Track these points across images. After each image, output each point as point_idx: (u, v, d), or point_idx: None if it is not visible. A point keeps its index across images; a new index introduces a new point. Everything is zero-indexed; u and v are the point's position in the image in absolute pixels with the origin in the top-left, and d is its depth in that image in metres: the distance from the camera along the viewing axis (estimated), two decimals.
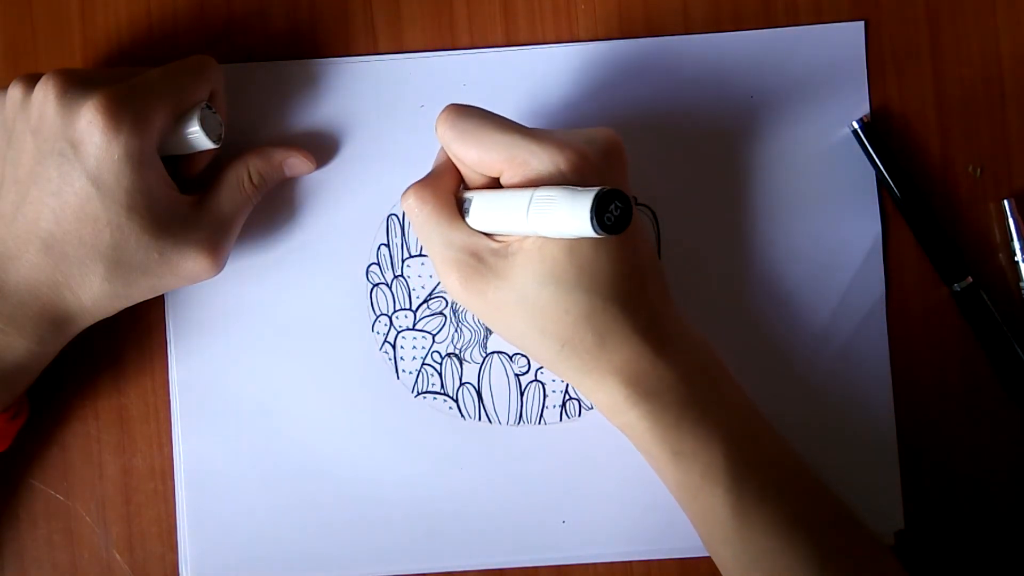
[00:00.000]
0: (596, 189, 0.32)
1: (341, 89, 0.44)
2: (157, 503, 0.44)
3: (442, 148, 0.40)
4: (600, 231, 0.31)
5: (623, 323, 0.36)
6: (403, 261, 0.44)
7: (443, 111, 0.37)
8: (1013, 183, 0.44)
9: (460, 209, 0.38)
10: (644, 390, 0.37)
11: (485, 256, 0.37)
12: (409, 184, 0.38)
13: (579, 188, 0.33)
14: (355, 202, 0.44)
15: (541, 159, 0.35)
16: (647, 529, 0.44)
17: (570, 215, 0.32)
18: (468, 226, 0.38)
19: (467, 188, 0.39)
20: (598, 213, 0.31)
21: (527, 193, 0.35)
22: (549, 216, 0.33)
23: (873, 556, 0.38)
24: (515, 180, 0.36)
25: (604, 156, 0.37)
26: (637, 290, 0.37)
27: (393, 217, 0.44)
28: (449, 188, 0.39)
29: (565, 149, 0.36)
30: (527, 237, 0.36)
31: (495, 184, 0.38)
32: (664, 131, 0.44)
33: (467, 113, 0.37)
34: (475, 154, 0.37)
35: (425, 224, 0.38)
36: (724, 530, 0.37)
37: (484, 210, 0.37)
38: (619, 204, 0.32)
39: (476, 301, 0.37)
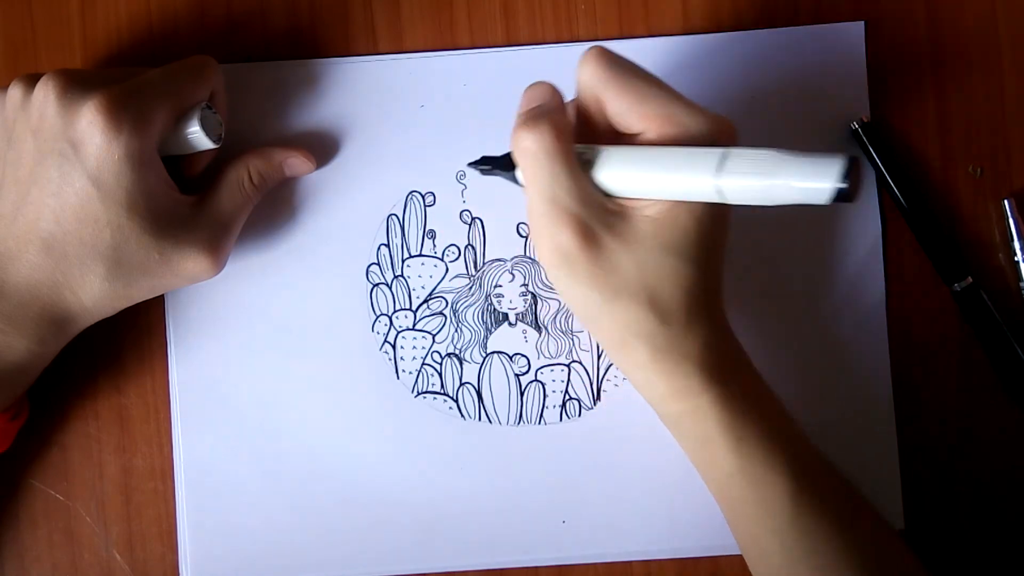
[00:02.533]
0: (841, 155, 0.31)
1: (341, 89, 0.44)
2: (157, 503, 0.44)
3: (538, 88, 0.37)
4: (840, 199, 0.31)
5: (711, 306, 0.36)
6: (403, 261, 0.44)
7: (592, 51, 0.36)
8: (1013, 183, 0.44)
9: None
10: (720, 374, 0.36)
11: (603, 215, 0.35)
12: (521, 116, 0.36)
13: (806, 152, 0.32)
14: (355, 202, 0.44)
15: (698, 122, 0.34)
16: (647, 529, 0.44)
17: (804, 180, 0.31)
18: (591, 179, 0.35)
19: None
20: (850, 176, 0.30)
21: (713, 152, 0.33)
22: (762, 177, 0.32)
23: (912, 571, 0.38)
24: (663, 138, 0.35)
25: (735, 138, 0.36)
26: (720, 272, 0.37)
27: (393, 217, 0.44)
28: (570, 132, 0.36)
29: (721, 119, 0.35)
30: (651, 203, 0.35)
31: (619, 140, 0.36)
32: None
33: (620, 59, 0.36)
34: (626, 102, 0.35)
35: (544, 166, 0.35)
36: (778, 519, 0.36)
37: (625, 167, 0.35)
38: (859, 171, 0.31)
39: (584, 262, 0.35)
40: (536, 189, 0.35)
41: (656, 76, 0.36)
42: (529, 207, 0.36)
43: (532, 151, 0.35)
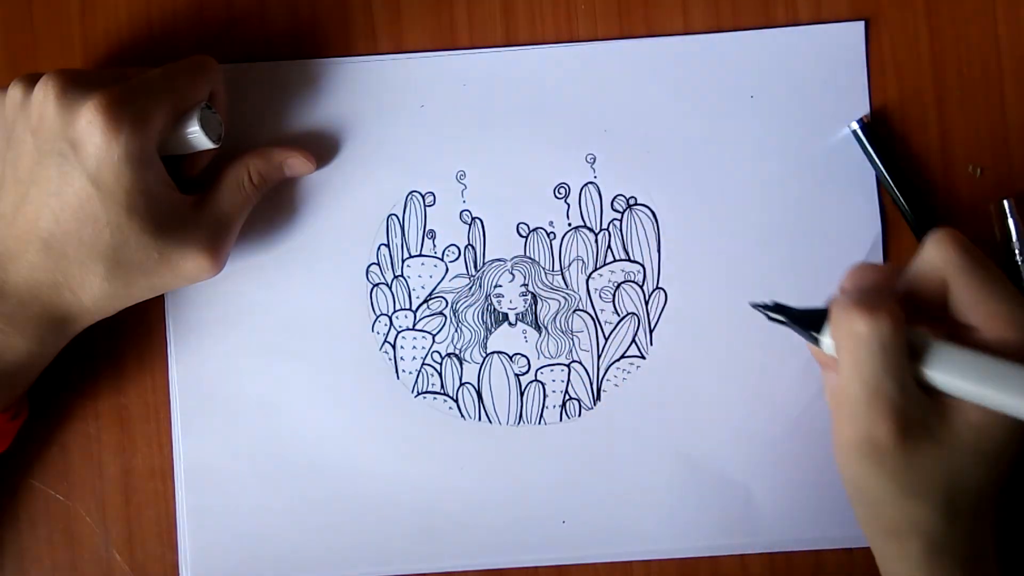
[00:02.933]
0: None
1: (341, 89, 0.44)
2: (157, 503, 0.44)
3: (872, 274, 0.36)
4: None
5: (993, 515, 0.36)
6: (403, 261, 0.44)
7: (947, 233, 0.35)
8: (1013, 183, 0.44)
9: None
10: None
11: (923, 412, 0.34)
12: (840, 303, 0.35)
13: None
14: (355, 202, 0.44)
15: None
16: (647, 529, 0.44)
17: None
18: (919, 371, 0.34)
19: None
20: None
21: None
22: None
23: None
24: (1001, 342, 0.34)
25: None
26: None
27: (393, 217, 0.44)
28: (904, 322, 0.34)
29: None
30: (971, 407, 0.34)
31: (946, 327, 0.35)
32: (664, 131, 0.44)
33: (974, 247, 0.35)
34: (976, 296, 0.34)
35: (877, 357, 0.33)
36: None
37: (963, 372, 0.33)
38: None
39: (895, 457, 0.34)
40: (858, 376, 0.34)
41: (1002, 272, 0.35)
42: (840, 388, 0.35)
43: (866, 338, 0.33)
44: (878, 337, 0.33)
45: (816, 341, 0.36)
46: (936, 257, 0.35)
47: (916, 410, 0.34)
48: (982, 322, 0.34)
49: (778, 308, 0.37)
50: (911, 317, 0.34)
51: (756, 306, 0.38)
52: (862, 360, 0.34)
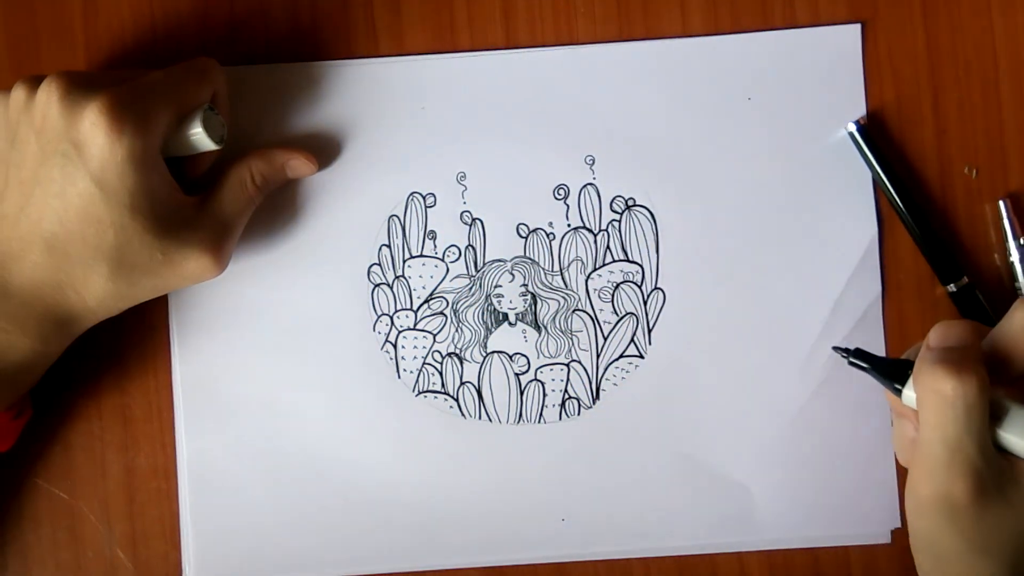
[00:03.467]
0: None
1: (342, 91, 0.45)
2: (160, 502, 0.44)
3: (959, 333, 0.36)
4: None
5: None
6: (404, 261, 0.45)
7: None
8: (1009, 184, 0.45)
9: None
10: None
11: (998, 472, 0.34)
12: (934, 359, 0.35)
13: None
14: (356, 203, 0.45)
15: None
16: (647, 528, 0.44)
17: None
18: (997, 434, 0.35)
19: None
20: None
21: None
22: None
23: None
24: None
25: None
26: None
27: (394, 218, 0.45)
28: (988, 384, 0.34)
29: None
30: None
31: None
32: (662, 133, 0.44)
33: None
34: None
35: (961, 417, 0.34)
36: None
37: None
38: None
39: (969, 516, 0.34)
40: (941, 434, 0.34)
41: None
42: (921, 444, 0.35)
43: (951, 399, 0.34)
44: (963, 399, 0.34)
45: (898, 392, 0.37)
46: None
47: (993, 471, 0.34)
48: None
49: (860, 354, 0.38)
50: (993, 379, 0.35)
51: (839, 350, 0.39)
52: (947, 420, 0.34)
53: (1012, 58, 0.45)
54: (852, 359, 0.38)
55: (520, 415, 0.44)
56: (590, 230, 0.45)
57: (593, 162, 0.45)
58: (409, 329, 0.45)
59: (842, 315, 0.44)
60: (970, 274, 0.44)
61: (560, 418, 0.44)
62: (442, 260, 0.45)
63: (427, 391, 0.44)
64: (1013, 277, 0.44)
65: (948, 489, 0.34)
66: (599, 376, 0.44)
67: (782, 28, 0.45)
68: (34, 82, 0.38)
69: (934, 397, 0.34)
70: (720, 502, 0.44)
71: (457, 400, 0.44)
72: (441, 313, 0.45)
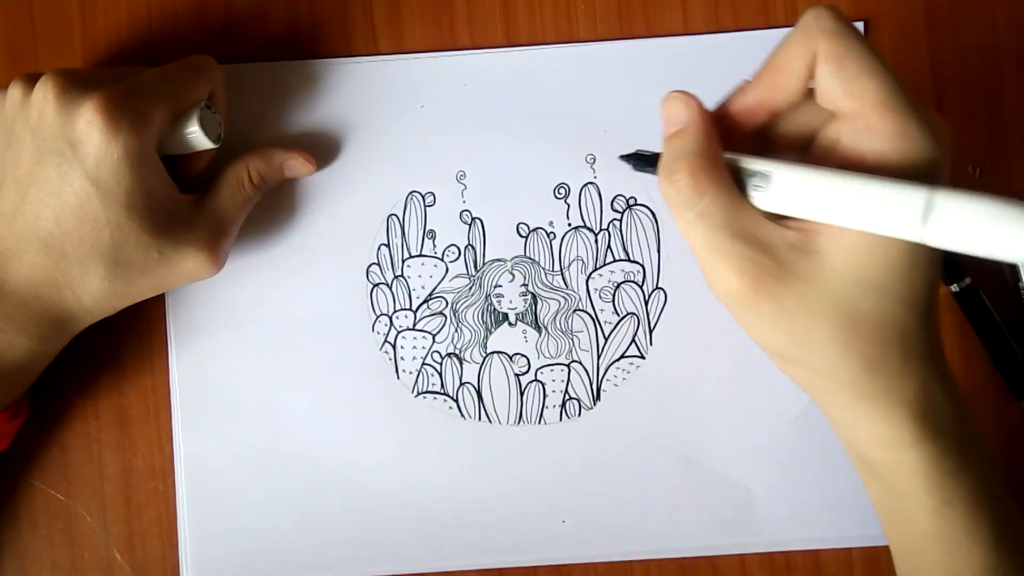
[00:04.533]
0: None
1: (341, 89, 0.44)
2: (157, 503, 0.44)
3: (678, 101, 0.32)
4: None
5: (926, 346, 0.32)
6: (403, 261, 0.44)
7: (824, 7, 0.30)
8: (1012, 183, 0.45)
9: (736, 179, 0.31)
10: (932, 427, 0.32)
11: (782, 253, 0.30)
12: (666, 163, 0.31)
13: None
14: (355, 202, 0.44)
15: (925, 134, 0.29)
16: (647, 529, 0.44)
17: None
18: (754, 209, 0.31)
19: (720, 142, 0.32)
20: None
21: (918, 192, 0.28)
22: (977, 233, 0.27)
23: None
24: (871, 148, 0.30)
25: (951, 155, 0.31)
26: (936, 311, 0.32)
27: (393, 217, 0.44)
28: (721, 161, 0.31)
29: (944, 133, 0.30)
30: (842, 231, 0.30)
31: (793, 142, 0.32)
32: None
33: (855, 29, 0.30)
34: (847, 70, 0.30)
35: (703, 217, 0.31)
36: None
37: (808, 193, 0.30)
38: None
39: (766, 306, 0.31)
40: (691, 239, 0.32)
41: (883, 57, 0.30)
42: (688, 245, 0.32)
43: (687, 203, 0.31)
44: (685, 202, 0.31)
45: None
46: (811, 21, 0.30)
47: (775, 252, 0.30)
48: (849, 106, 0.30)
49: (639, 156, 0.35)
50: (770, 102, 0.32)
51: (623, 158, 0.35)
52: (683, 226, 0.31)
53: (1015, 56, 0.45)
54: (633, 163, 0.35)
55: (520, 416, 0.44)
56: (591, 229, 0.44)
57: (594, 161, 0.44)
58: (408, 329, 0.44)
59: None
60: (973, 274, 0.44)
61: (560, 419, 0.44)
62: (441, 260, 0.44)
63: (426, 392, 0.44)
64: (1016, 277, 0.44)
65: (726, 287, 0.31)
66: (600, 377, 0.44)
67: (784, 26, 0.44)
68: (30, 80, 0.38)
69: (669, 203, 0.31)
70: (721, 503, 0.44)
71: (457, 401, 0.44)
72: (440, 313, 0.44)
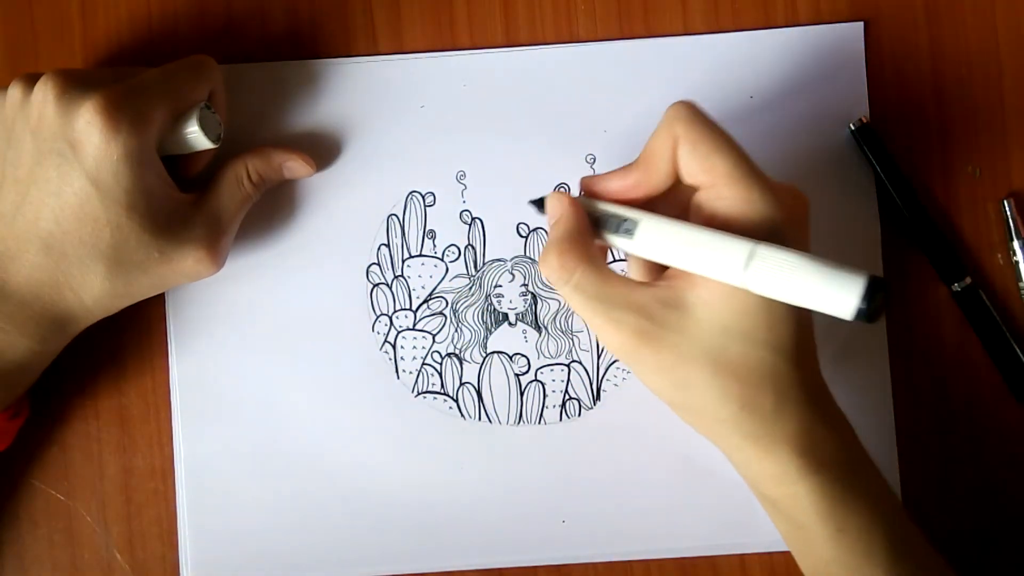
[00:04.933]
0: (863, 275, 0.30)
1: (341, 89, 0.44)
2: (158, 503, 0.44)
3: (558, 199, 0.37)
4: (860, 318, 0.30)
5: (800, 389, 0.34)
6: (403, 261, 0.44)
7: (681, 102, 0.35)
8: (1012, 183, 0.45)
9: (597, 226, 0.36)
10: (816, 461, 0.34)
11: (655, 311, 0.34)
12: (544, 249, 0.36)
13: (828, 262, 0.31)
14: (355, 202, 0.44)
15: (766, 200, 0.33)
16: (647, 529, 0.44)
17: (825, 292, 0.30)
18: (622, 279, 0.35)
19: (596, 200, 0.37)
20: (870, 298, 0.30)
21: (745, 245, 0.32)
22: (786, 282, 0.31)
23: None
24: (720, 205, 0.34)
25: (802, 221, 0.35)
26: (811, 354, 0.35)
27: (393, 217, 0.44)
28: (590, 240, 0.36)
29: (786, 199, 0.34)
30: (705, 284, 0.33)
31: (662, 204, 0.36)
32: None
33: (710, 117, 0.35)
34: (702, 150, 0.34)
35: (578, 290, 0.35)
36: None
37: (662, 240, 0.34)
38: (884, 293, 0.30)
39: (648, 360, 0.34)
40: (576, 309, 0.36)
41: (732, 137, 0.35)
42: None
43: (560, 281, 0.35)
44: (570, 278, 0.35)
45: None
46: (673, 113, 0.35)
47: (649, 311, 0.34)
48: (706, 179, 0.34)
49: (541, 200, 0.39)
50: (646, 184, 0.36)
51: (532, 203, 0.39)
52: (567, 298, 0.35)
53: (1015, 56, 0.45)
54: (539, 211, 0.39)
55: (520, 416, 0.44)
56: None
57: (594, 160, 0.44)
58: (408, 329, 0.44)
59: None
60: (973, 274, 0.44)
61: (560, 419, 0.44)
62: (441, 260, 0.44)
63: (426, 392, 0.44)
64: (1017, 277, 0.44)
65: (612, 346, 0.35)
66: (600, 377, 0.44)
67: (784, 26, 0.44)
68: (30, 80, 0.38)
69: (548, 282, 0.36)
70: (721, 503, 0.44)
71: (457, 401, 0.44)
72: (440, 313, 0.44)
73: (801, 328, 0.34)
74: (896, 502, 0.37)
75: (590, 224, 0.36)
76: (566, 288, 0.35)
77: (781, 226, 0.33)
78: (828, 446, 0.35)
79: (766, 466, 0.35)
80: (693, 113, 0.35)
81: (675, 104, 0.35)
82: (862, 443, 0.37)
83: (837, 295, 0.30)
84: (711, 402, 0.34)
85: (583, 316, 0.36)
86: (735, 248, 0.32)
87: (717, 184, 0.34)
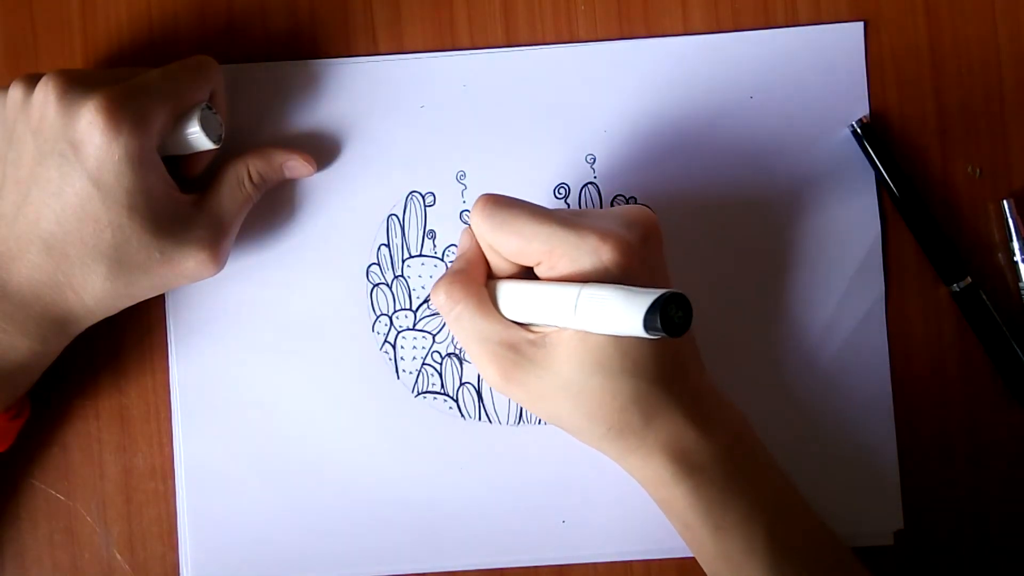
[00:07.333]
0: (654, 293, 0.32)
1: (341, 89, 0.44)
2: (158, 503, 0.44)
3: (465, 234, 0.40)
4: (657, 334, 0.31)
5: (667, 403, 0.37)
6: (403, 261, 0.44)
7: (478, 201, 0.37)
8: (1012, 183, 0.45)
9: (492, 297, 0.38)
10: (689, 466, 0.37)
11: (523, 348, 0.37)
12: (439, 277, 0.38)
13: (633, 289, 0.33)
14: (355, 202, 0.44)
15: (584, 251, 0.35)
16: (647, 529, 0.44)
17: (625, 317, 0.32)
18: (502, 317, 0.38)
19: (495, 276, 0.39)
20: (661, 315, 0.31)
21: (573, 289, 0.34)
22: (600, 316, 0.33)
23: None
24: (556, 272, 0.36)
25: (644, 241, 0.37)
26: (680, 370, 0.37)
27: (393, 217, 0.44)
28: (479, 280, 0.39)
29: (607, 239, 0.35)
30: (560, 332, 0.36)
31: (527, 273, 0.38)
32: (663, 131, 0.44)
33: (504, 203, 0.37)
34: (514, 245, 0.37)
35: (458, 321, 0.38)
36: None
37: (519, 302, 0.37)
38: (679, 308, 0.32)
39: (517, 391, 0.37)
40: (457, 338, 0.40)
41: (541, 207, 0.37)
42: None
43: (443, 309, 0.38)
44: (453, 307, 0.38)
45: None
46: (476, 230, 0.38)
47: (519, 348, 0.37)
48: (537, 260, 0.37)
49: None
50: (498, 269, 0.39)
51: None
52: (450, 326, 0.39)
53: (1015, 56, 0.45)
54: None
55: (520, 416, 0.44)
56: None
57: (594, 161, 0.44)
58: (408, 329, 0.44)
59: (844, 315, 0.44)
60: (973, 274, 0.44)
61: None
62: (442, 260, 0.44)
63: (426, 392, 0.44)
64: (1017, 277, 0.44)
65: (486, 375, 0.37)
66: None
67: (784, 26, 0.44)
68: (31, 80, 0.38)
69: (440, 310, 0.39)
70: None
71: (457, 401, 0.44)
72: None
73: (664, 348, 0.36)
74: (789, 495, 0.39)
75: (486, 267, 0.39)
76: (448, 317, 0.38)
77: (609, 265, 0.35)
78: (701, 450, 0.37)
79: (647, 473, 0.38)
80: (489, 218, 0.37)
81: (473, 212, 0.37)
82: (759, 438, 0.39)
83: (632, 316, 0.32)
84: (582, 426, 0.37)
85: (462, 345, 0.39)
86: (565, 295, 0.35)
87: (542, 261, 0.36)
